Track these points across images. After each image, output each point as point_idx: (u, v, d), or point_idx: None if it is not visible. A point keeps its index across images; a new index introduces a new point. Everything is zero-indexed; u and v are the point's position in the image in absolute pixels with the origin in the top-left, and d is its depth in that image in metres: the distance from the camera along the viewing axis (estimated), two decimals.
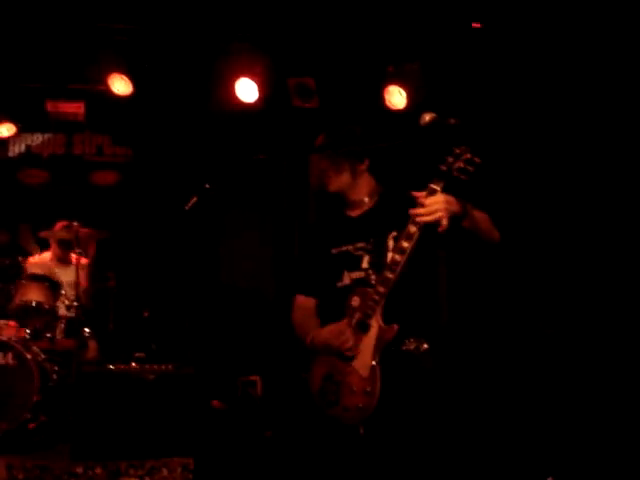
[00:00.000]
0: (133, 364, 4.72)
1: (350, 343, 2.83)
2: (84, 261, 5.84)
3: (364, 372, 2.78)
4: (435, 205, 2.62)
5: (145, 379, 4.52)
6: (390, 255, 2.79)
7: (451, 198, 2.65)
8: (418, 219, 2.65)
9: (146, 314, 5.87)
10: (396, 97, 6.09)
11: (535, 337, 5.04)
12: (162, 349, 5.66)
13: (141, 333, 5.74)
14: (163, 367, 4.56)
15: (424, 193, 2.65)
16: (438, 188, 2.65)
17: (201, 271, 6.61)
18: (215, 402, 5.39)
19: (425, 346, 2.83)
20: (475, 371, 5.04)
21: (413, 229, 2.68)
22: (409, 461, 2.77)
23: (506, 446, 4.55)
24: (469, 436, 4.41)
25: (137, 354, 5.11)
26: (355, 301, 2.88)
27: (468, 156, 2.64)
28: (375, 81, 6.16)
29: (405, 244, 2.70)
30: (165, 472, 4.38)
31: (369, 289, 2.83)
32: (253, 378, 5.67)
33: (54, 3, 5.49)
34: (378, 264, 2.90)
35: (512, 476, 4.40)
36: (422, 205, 2.63)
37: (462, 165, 2.64)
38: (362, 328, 2.82)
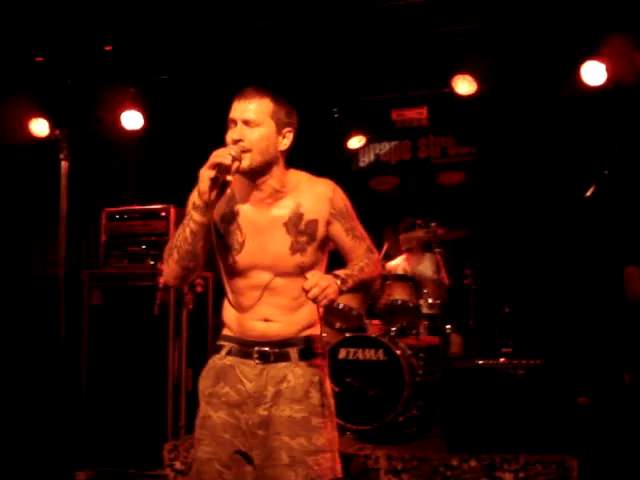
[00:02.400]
0: (501, 359, 4.74)
1: None
2: (440, 259, 5.99)
3: None
4: None
5: (515, 374, 4.51)
6: None
7: None
8: None
9: (507, 310, 5.86)
10: None
11: None
12: (523, 344, 5.59)
13: (502, 329, 5.73)
14: (532, 362, 4.52)
15: None
16: None
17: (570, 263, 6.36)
18: (581, 398, 5.21)
19: None
20: None
21: None
22: None
23: None
24: None
25: (504, 349, 5.12)
26: None
27: None
28: None
29: None
30: (539, 468, 4.32)
31: None
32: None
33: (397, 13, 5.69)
34: None
35: None
36: None
37: None
38: None
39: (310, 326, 2.66)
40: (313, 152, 7.07)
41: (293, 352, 2.61)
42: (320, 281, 2.42)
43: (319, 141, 7.14)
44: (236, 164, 2.41)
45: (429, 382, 5.37)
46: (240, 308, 2.64)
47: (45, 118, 6.56)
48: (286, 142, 2.57)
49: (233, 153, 2.41)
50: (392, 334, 5.49)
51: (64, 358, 3.60)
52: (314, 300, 2.41)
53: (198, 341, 5.76)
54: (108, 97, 6.51)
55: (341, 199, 2.69)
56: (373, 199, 7.50)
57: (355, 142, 7.34)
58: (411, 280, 5.64)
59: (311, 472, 2.50)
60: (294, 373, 2.59)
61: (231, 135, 2.49)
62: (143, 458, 5.34)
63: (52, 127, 6.51)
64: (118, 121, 6.65)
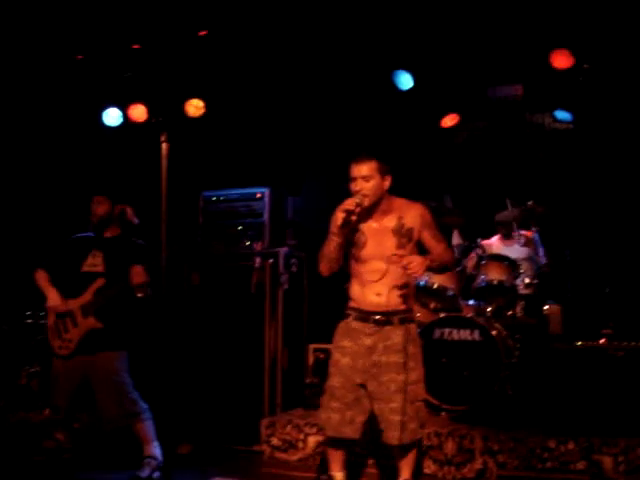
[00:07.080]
0: (601, 340, 4.61)
1: None
2: (529, 236, 5.87)
3: None
4: None
5: (615, 355, 4.40)
6: None
7: None
8: None
9: (607, 290, 5.68)
10: None
11: None
12: (624, 326, 5.41)
13: (602, 309, 5.55)
14: (633, 344, 4.39)
15: None
16: None
17: None
18: None
19: None
20: None
21: None
22: None
23: None
24: None
25: (604, 330, 4.97)
26: None
27: None
28: None
29: None
30: None
31: None
32: None
33: None
34: None
35: None
36: None
37: None
38: None
39: (407, 300, 3.90)
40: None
41: (395, 319, 3.86)
42: (412, 257, 3.75)
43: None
44: (358, 208, 3.71)
45: (526, 363, 5.28)
46: (362, 286, 3.92)
47: (142, 104, 6.70)
48: (387, 184, 3.86)
49: (358, 201, 3.72)
50: (488, 315, 5.43)
51: (166, 337, 3.73)
52: (406, 267, 3.64)
53: (294, 320, 5.83)
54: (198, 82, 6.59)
55: (428, 215, 3.94)
56: None
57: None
58: (507, 260, 5.55)
59: (409, 396, 3.77)
60: (396, 333, 3.84)
61: (354, 187, 3.79)
62: (241, 434, 5.47)
63: (149, 112, 6.65)
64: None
